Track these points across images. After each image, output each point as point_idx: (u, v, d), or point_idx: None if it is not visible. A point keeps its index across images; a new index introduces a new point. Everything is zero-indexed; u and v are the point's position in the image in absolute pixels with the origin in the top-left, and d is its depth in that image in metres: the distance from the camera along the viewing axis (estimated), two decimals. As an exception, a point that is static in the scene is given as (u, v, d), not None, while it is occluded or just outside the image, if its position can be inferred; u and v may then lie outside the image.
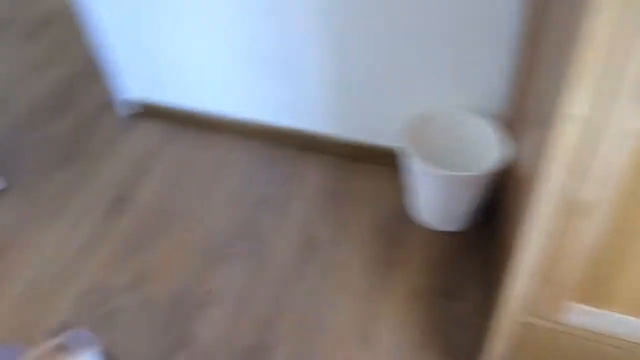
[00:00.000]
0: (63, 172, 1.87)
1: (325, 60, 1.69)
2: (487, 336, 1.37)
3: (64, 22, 2.60)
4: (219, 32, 1.74)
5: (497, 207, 1.60)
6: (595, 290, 0.99)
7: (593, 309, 1.01)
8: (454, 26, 1.46)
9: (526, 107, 1.26)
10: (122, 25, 1.84)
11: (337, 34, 1.61)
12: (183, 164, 1.91)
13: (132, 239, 1.66)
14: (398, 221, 1.73)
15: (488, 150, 1.56)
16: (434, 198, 1.56)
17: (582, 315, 1.03)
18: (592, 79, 0.74)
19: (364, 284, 1.55)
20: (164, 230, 1.69)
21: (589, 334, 1.06)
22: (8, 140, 2.00)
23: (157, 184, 1.84)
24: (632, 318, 1.00)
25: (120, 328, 1.45)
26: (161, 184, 1.84)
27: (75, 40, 2.47)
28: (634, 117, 0.76)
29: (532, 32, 1.26)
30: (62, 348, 0.85)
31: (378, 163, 1.89)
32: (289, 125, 1.92)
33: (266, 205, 1.77)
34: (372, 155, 1.89)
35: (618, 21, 0.69)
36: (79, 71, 2.32)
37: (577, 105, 0.77)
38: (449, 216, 1.62)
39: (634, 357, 1.09)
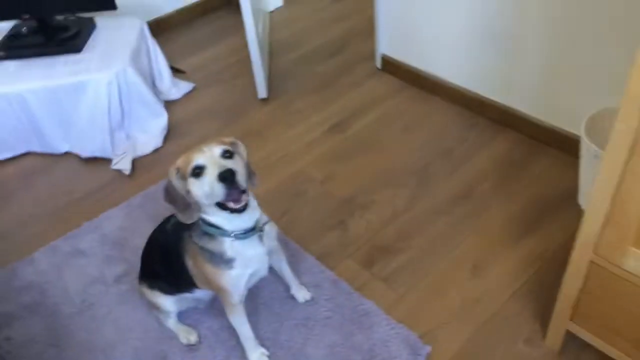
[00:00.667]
0: (313, 96, 2.47)
1: (544, 46, 1.83)
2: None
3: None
4: (460, 8, 2.03)
5: None
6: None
7: None
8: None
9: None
10: (392, 1, 2.31)
11: (557, 23, 1.74)
12: (397, 111, 2.30)
13: (337, 152, 2.14)
14: (559, 202, 1.80)
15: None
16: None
17: (638, 261, 1.05)
18: None
19: (498, 234, 1.72)
20: (360, 153, 2.12)
21: None
22: (287, 69, 2.70)
23: (371, 120, 2.27)
24: None
25: (301, 203, 1.94)
26: (374, 121, 2.27)
27: (368, 3, 3.07)
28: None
29: None
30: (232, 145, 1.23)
31: (563, 149, 1.94)
32: (495, 98, 2.11)
33: (447, 157, 2.03)
34: (559, 140, 1.95)
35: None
36: (361, 28, 2.90)
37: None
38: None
39: None
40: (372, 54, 2.64)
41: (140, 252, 1.54)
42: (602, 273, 1.17)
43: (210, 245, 1.26)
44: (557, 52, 1.82)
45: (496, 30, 1.96)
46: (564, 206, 1.78)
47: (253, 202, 1.27)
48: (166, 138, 2.30)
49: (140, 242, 1.54)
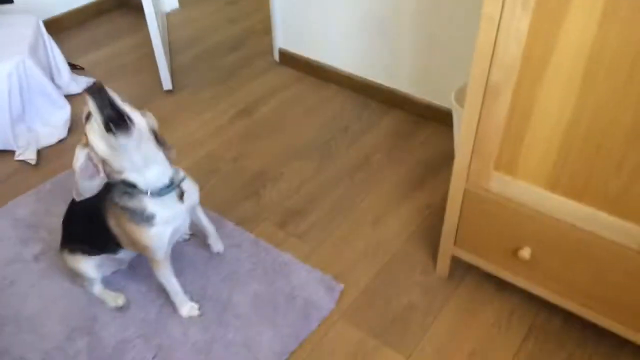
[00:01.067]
0: (217, 87, 2.61)
1: (415, 31, 2.15)
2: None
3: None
4: (346, 2, 2.31)
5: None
6: (508, 161, 1.32)
7: (507, 177, 1.33)
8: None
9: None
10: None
11: (425, 8, 2.07)
12: (297, 98, 2.52)
13: (244, 134, 2.31)
14: (440, 163, 2.12)
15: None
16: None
17: (500, 183, 1.35)
18: None
19: (392, 192, 2.00)
20: (267, 133, 2.31)
21: (506, 201, 1.37)
22: (189, 64, 2.82)
23: (274, 105, 2.47)
24: (532, 187, 1.30)
25: (216, 179, 2.08)
26: (277, 106, 2.47)
27: (265, 5, 3.28)
28: (521, 19, 1.12)
29: None
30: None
31: (440, 122, 2.29)
32: (381, 82, 2.42)
33: (344, 133, 2.29)
34: (436, 114, 2.29)
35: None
36: (257, 27, 3.10)
37: (493, 8, 1.15)
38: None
39: (537, 224, 1.36)
40: (269, 49, 2.84)
41: (57, 231, 1.58)
42: (473, 198, 1.46)
43: (131, 203, 1.33)
44: (427, 36, 2.15)
45: (375, 20, 2.26)
46: (444, 166, 2.10)
47: (161, 158, 1.31)
48: (70, 130, 2.32)
49: (55, 222, 1.57)
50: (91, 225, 1.46)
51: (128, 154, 1.24)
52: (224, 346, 1.49)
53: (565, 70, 1.12)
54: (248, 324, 1.54)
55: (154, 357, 1.46)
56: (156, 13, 2.46)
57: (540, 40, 1.12)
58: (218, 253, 1.74)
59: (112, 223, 1.42)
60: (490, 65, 1.21)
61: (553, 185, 1.29)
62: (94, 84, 1.16)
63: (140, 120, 1.25)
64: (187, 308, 1.57)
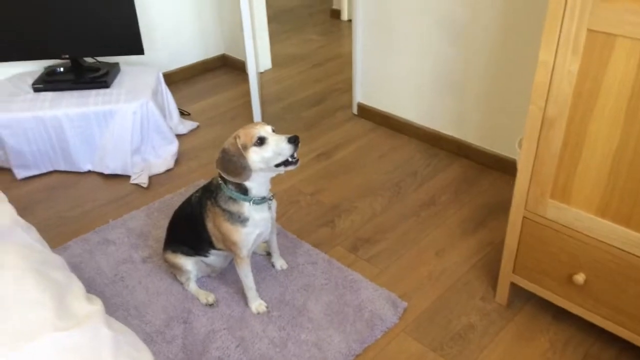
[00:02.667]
0: (301, 133, 2.93)
1: (482, 89, 2.39)
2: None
3: (342, 58, 3.86)
4: (420, 63, 2.60)
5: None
6: (562, 189, 1.47)
7: (561, 205, 1.48)
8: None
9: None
10: (366, 61, 2.87)
11: (490, 70, 2.31)
12: (372, 145, 2.78)
13: (323, 173, 2.58)
14: (502, 207, 2.28)
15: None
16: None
17: (555, 210, 1.50)
18: (554, 40, 1.34)
19: (456, 229, 2.17)
20: (343, 174, 2.57)
21: (561, 227, 1.51)
22: (277, 114, 3.18)
23: (351, 151, 2.75)
24: (584, 213, 1.43)
25: (295, 209, 2.34)
26: (353, 151, 2.74)
27: (345, 68, 3.66)
28: (572, 63, 1.33)
29: None
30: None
31: (504, 171, 2.46)
32: (450, 133, 2.64)
33: (414, 176, 2.50)
34: (500, 163, 2.47)
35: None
36: (338, 87, 3.46)
37: (547, 55, 1.37)
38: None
39: (589, 250, 1.48)
40: (349, 104, 3.16)
41: (162, 241, 1.89)
42: (531, 225, 1.61)
43: (232, 207, 1.64)
44: (492, 92, 2.37)
45: (447, 77, 2.52)
46: (506, 210, 2.24)
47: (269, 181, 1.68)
48: (177, 162, 2.69)
49: (161, 233, 1.89)
50: (193, 227, 1.76)
51: (267, 174, 1.62)
52: (297, 344, 1.68)
53: (611, 104, 1.31)
54: (319, 327, 1.73)
55: (237, 346, 1.67)
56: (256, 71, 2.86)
57: (589, 80, 1.32)
58: (282, 269, 1.97)
59: (209, 224, 1.71)
60: (546, 102, 1.41)
61: (603, 211, 1.43)
62: (297, 136, 1.56)
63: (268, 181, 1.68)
64: (257, 304, 1.81)
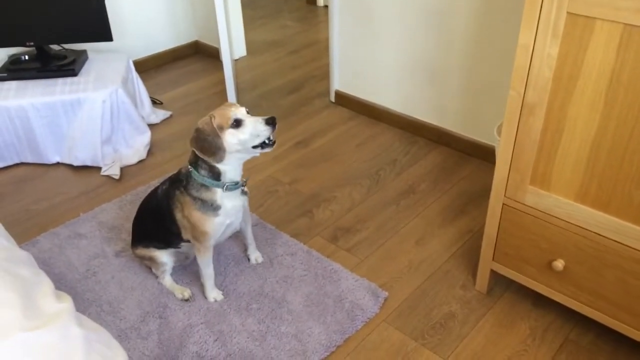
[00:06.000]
0: (278, 122, 2.87)
1: (462, 75, 2.37)
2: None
3: (319, 45, 3.81)
4: (397, 50, 2.57)
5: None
6: (542, 175, 1.46)
7: (541, 191, 1.47)
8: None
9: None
10: (343, 47, 2.83)
11: (469, 57, 2.29)
12: (350, 133, 2.75)
13: (301, 162, 2.54)
14: (481, 195, 2.27)
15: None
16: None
17: (535, 196, 1.49)
18: (533, 24, 1.32)
19: (435, 218, 2.16)
20: (321, 162, 2.53)
21: (540, 213, 1.51)
22: (253, 102, 3.12)
23: (329, 139, 2.71)
24: (563, 199, 1.43)
25: (274, 199, 2.29)
26: (331, 139, 2.70)
27: (323, 55, 3.61)
28: (552, 46, 1.31)
29: None
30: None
31: (483, 158, 2.45)
32: (429, 120, 2.62)
33: (392, 165, 2.48)
34: (480, 150, 2.46)
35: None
36: (315, 73, 3.41)
37: (527, 38, 1.35)
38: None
39: (568, 235, 1.48)
40: (326, 91, 3.12)
41: None
42: (511, 212, 1.60)
43: (204, 195, 1.59)
44: (472, 80, 2.36)
45: (426, 65, 2.50)
46: (486, 197, 2.24)
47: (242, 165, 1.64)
48: (149, 152, 2.62)
49: None
50: (158, 223, 1.71)
51: (242, 156, 1.59)
52: (277, 337, 1.65)
53: (591, 89, 1.29)
54: (299, 319, 1.70)
55: (215, 340, 1.63)
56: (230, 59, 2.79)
57: (569, 64, 1.31)
58: (257, 262, 1.93)
59: (178, 214, 1.65)
60: (525, 87, 1.40)
61: (582, 197, 1.43)
62: (274, 117, 1.56)
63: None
64: (215, 293, 1.78)
